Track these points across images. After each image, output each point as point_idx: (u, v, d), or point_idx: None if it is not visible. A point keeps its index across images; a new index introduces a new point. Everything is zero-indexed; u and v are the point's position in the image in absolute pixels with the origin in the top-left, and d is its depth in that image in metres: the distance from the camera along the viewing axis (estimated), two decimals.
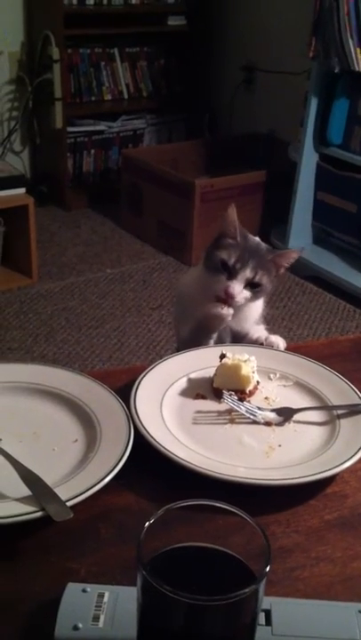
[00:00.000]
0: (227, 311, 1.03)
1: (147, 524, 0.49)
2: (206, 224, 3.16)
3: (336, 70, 2.73)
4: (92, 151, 3.85)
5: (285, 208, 3.16)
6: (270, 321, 1.10)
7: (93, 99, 3.85)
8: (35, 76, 3.59)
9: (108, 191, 3.75)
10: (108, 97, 3.89)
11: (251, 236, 1.08)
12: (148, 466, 0.78)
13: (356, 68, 2.64)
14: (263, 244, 1.08)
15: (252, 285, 1.03)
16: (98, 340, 2.58)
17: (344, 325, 2.76)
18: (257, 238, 1.09)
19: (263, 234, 3.25)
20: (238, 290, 1.02)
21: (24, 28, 3.60)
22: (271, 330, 1.12)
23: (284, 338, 1.09)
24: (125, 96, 3.94)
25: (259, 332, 1.10)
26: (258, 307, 1.10)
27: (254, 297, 1.05)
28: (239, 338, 1.09)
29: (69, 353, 2.49)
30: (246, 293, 1.03)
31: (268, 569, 0.47)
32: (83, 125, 3.77)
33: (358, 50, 2.61)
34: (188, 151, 3.68)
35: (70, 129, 3.69)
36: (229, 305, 1.03)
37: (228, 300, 1.02)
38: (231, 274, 1.02)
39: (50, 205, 3.72)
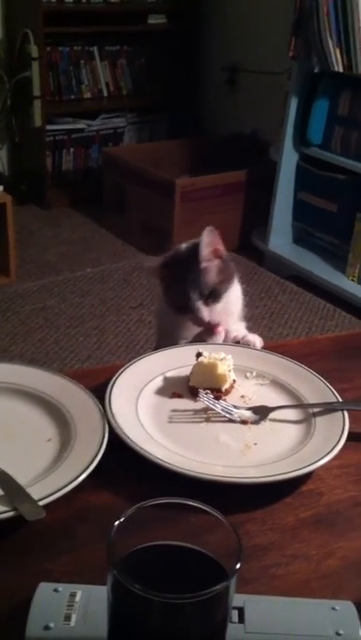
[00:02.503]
0: (220, 335, 1.04)
1: (117, 522, 0.49)
2: (187, 223, 3.16)
3: (316, 70, 2.74)
4: (72, 149, 3.84)
5: (266, 208, 3.17)
6: (251, 320, 1.10)
7: (73, 97, 3.83)
8: (13, 74, 3.56)
9: (88, 190, 3.74)
10: (87, 95, 3.88)
11: (176, 252, 1.05)
12: (124, 465, 0.77)
13: (336, 69, 2.66)
14: (191, 248, 1.04)
15: (211, 295, 1.02)
16: (77, 340, 2.57)
17: (324, 324, 2.78)
18: (184, 245, 1.06)
19: (244, 233, 3.29)
20: (204, 313, 1.01)
21: (3, 25, 3.58)
22: (251, 329, 1.12)
23: (265, 337, 1.09)
24: (105, 94, 3.93)
25: (237, 330, 1.10)
26: (234, 299, 1.08)
27: (219, 298, 1.03)
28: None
29: (48, 352, 2.48)
30: (213, 307, 1.02)
31: (238, 566, 0.47)
32: (62, 123, 3.76)
33: (338, 50, 2.63)
34: (171, 150, 3.68)
35: (50, 127, 3.68)
36: (218, 332, 1.03)
37: (214, 330, 1.03)
38: (189, 307, 1.02)
39: (30, 204, 3.70)
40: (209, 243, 1.02)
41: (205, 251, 1.02)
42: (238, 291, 1.09)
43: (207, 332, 1.04)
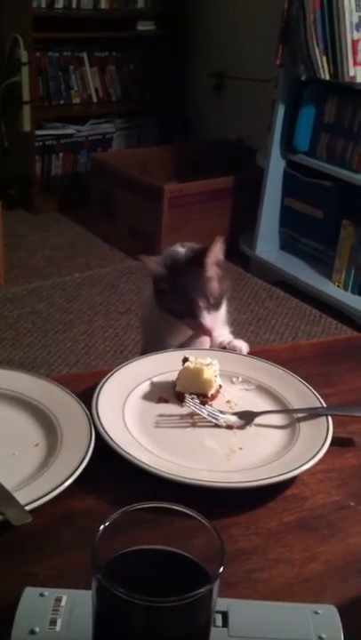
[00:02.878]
0: (208, 342, 1.05)
1: (102, 526, 0.49)
2: (175, 228, 3.17)
3: (303, 78, 2.76)
4: (61, 154, 3.84)
5: (253, 214, 3.18)
6: (237, 326, 1.11)
7: (62, 102, 3.84)
8: (3, 79, 3.56)
9: (77, 195, 3.74)
10: (76, 100, 3.88)
11: (176, 254, 1.06)
12: (110, 469, 0.78)
13: (323, 76, 2.68)
14: (190, 252, 1.05)
15: (215, 303, 1.04)
16: (65, 345, 2.57)
17: (310, 330, 2.79)
18: (181, 249, 1.07)
19: (231, 239, 3.30)
20: (208, 322, 1.03)
21: None
22: (238, 334, 1.13)
23: (251, 343, 1.10)
24: (94, 100, 3.94)
25: (223, 335, 1.11)
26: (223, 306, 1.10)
27: (220, 306, 1.06)
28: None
29: (36, 357, 2.48)
30: (214, 314, 1.04)
31: (221, 570, 0.48)
32: (51, 129, 3.76)
33: (324, 58, 2.65)
34: (159, 156, 3.69)
35: (39, 132, 3.68)
36: (212, 337, 1.04)
37: (209, 335, 1.04)
38: (192, 314, 1.03)
39: (18, 209, 3.70)
40: (218, 252, 1.04)
41: (214, 259, 1.03)
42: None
43: (199, 337, 1.05)
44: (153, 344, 1.09)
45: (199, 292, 1.02)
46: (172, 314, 1.05)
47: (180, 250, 1.07)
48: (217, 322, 1.05)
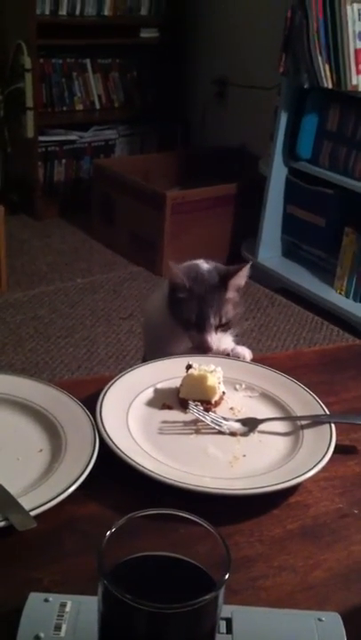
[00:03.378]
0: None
1: (108, 532, 0.50)
2: (177, 235, 3.18)
3: (306, 86, 2.77)
4: (64, 161, 3.85)
5: (256, 221, 3.19)
6: (239, 333, 1.12)
7: (65, 108, 3.85)
8: (6, 85, 3.58)
9: (79, 201, 3.75)
10: (79, 107, 3.90)
11: (201, 269, 1.06)
12: (114, 476, 0.78)
13: (325, 84, 2.69)
14: (215, 271, 1.06)
15: (224, 325, 1.05)
16: (67, 350, 2.57)
17: (312, 337, 2.80)
18: (206, 266, 1.08)
19: (234, 246, 3.31)
20: (212, 340, 1.04)
21: None
22: (240, 341, 1.13)
23: (253, 349, 1.10)
24: (97, 106, 3.95)
25: (226, 342, 1.11)
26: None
27: (228, 330, 1.06)
28: None
29: (38, 362, 2.48)
30: (220, 336, 1.05)
31: (227, 576, 0.48)
32: (54, 135, 3.77)
33: (327, 66, 2.66)
34: (160, 163, 3.70)
35: (42, 138, 3.69)
36: (206, 354, 1.04)
37: (206, 352, 1.04)
38: (200, 327, 1.03)
39: (20, 214, 3.71)
40: (244, 276, 1.05)
41: (239, 281, 1.05)
42: None
43: (200, 351, 1.05)
44: (154, 352, 1.09)
45: (214, 309, 1.03)
46: (180, 322, 1.05)
47: (205, 265, 1.09)
48: (220, 344, 1.06)
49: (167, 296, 1.08)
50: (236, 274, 1.04)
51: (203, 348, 1.04)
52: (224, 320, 1.04)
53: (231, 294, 1.05)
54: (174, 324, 1.06)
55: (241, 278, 1.05)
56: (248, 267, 1.05)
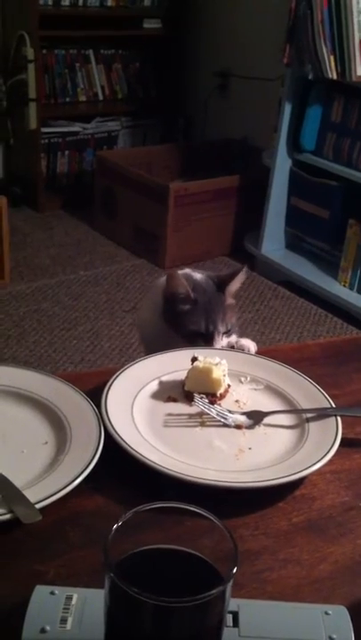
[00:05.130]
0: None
1: (115, 526, 0.49)
2: (180, 228, 3.17)
3: (310, 77, 2.76)
4: (67, 152, 3.84)
5: (259, 213, 3.18)
6: (243, 325, 1.12)
7: (68, 100, 3.84)
8: (9, 77, 3.56)
9: (81, 193, 3.74)
10: (82, 98, 3.88)
11: (196, 278, 1.07)
12: (119, 468, 0.78)
13: (330, 76, 2.67)
14: (209, 279, 1.07)
15: (228, 332, 1.06)
16: (70, 343, 2.57)
17: (316, 330, 2.79)
18: (198, 275, 1.08)
19: (237, 239, 3.30)
20: (220, 346, 1.05)
21: None
22: (244, 334, 1.13)
23: (257, 342, 1.10)
24: (100, 98, 3.94)
25: (231, 337, 1.11)
26: None
27: (229, 336, 1.07)
28: None
29: (41, 355, 2.48)
30: (225, 340, 1.06)
31: (235, 571, 0.48)
32: (57, 126, 3.76)
33: (332, 57, 2.64)
34: (163, 155, 3.69)
35: (44, 129, 3.68)
36: None
37: None
38: (208, 338, 1.04)
39: (23, 207, 3.70)
40: (241, 281, 1.05)
41: (236, 286, 1.05)
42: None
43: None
44: (150, 348, 1.09)
45: (220, 317, 1.04)
46: (184, 335, 1.05)
47: (198, 274, 1.09)
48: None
49: (162, 308, 1.07)
50: (232, 279, 1.05)
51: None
52: (229, 327, 1.05)
53: (231, 301, 1.06)
54: (172, 335, 1.05)
55: (237, 283, 1.06)
56: (244, 271, 1.05)
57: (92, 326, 2.69)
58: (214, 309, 1.03)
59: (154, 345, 1.09)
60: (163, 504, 0.53)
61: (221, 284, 1.05)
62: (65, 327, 2.67)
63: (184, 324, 1.05)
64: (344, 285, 2.96)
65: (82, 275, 3.11)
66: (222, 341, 1.05)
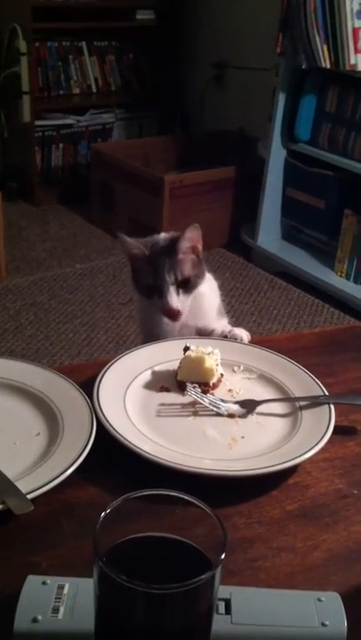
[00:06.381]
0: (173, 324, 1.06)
1: (103, 513, 0.49)
2: (176, 220, 3.16)
3: (304, 66, 2.74)
4: (61, 145, 3.83)
5: (255, 204, 3.17)
6: (239, 316, 1.11)
7: (62, 92, 3.82)
8: (2, 70, 3.55)
9: (77, 186, 3.73)
10: (76, 91, 3.87)
11: (156, 239, 1.08)
12: (111, 459, 0.78)
13: (323, 65, 2.66)
14: (170, 237, 1.08)
15: (183, 285, 1.04)
16: (67, 336, 2.57)
17: (313, 320, 2.79)
18: (163, 234, 1.10)
19: (233, 230, 3.29)
20: (176, 301, 1.03)
21: None
22: (240, 325, 1.13)
23: (253, 333, 1.10)
24: (94, 90, 3.92)
25: (223, 325, 1.10)
26: (211, 298, 1.11)
27: (191, 290, 1.06)
28: (206, 333, 1.10)
29: (38, 348, 2.48)
30: (183, 298, 1.05)
31: (223, 556, 0.48)
32: (51, 119, 3.75)
33: (325, 46, 2.63)
34: (159, 147, 3.68)
35: (38, 122, 3.66)
36: (176, 320, 1.04)
37: (174, 317, 1.04)
38: (159, 290, 1.04)
39: (18, 201, 3.69)
40: (190, 238, 1.05)
41: (185, 244, 1.05)
42: (213, 287, 1.12)
43: (166, 315, 1.05)
44: (143, 325, 1.13)
45: (167, 269, 1.04)
46: (142, 292, 1.07)
47: (163, 235, 1.10)
48: (185, 306, 1.05)
49: (130, 272, 1.10)
50: (182, 236, 1.05)
51: (166, 311, 1.04)
52: (180, 276, 1.04)
53: (183, 255, 1.05)
54: (145, 302, 1.08)
55: (188, 241, 1.05)
56: (193, 228, 1.05)
57: (89, 319, 2.69)
58: (161, 262, 1.04)
59: (143, 323, 1.13)
60: (153, 491, 0.53)
61: (174, 241, 1.06)
62: (61, 320, 2.67)
63: (140, 281, 1.07)
64: (340, 276, 2.95)
65: (78, 268, 3.10)
66: (178, 296, 1.04)
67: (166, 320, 1.05)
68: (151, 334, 1.09)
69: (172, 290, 1.03)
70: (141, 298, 1.09)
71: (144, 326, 1.16)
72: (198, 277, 1.06)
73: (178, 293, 1.04)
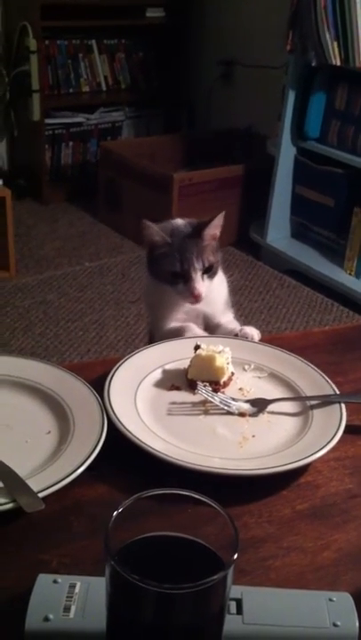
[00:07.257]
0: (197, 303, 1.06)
1: (115, 513, 0.49)
2: (185, 217, 3.15)
3: (313, 64, 2.73)
4: (71, 143, 3.83)
5: (264, 202, 3.16)
6: (248, 314, 1.11)
7: (71, 90, 3.83)
8: (12, 68, 3.55)
9: (86, 185, 3.73)
10: (86, 89, 3.87)
11: (176, 225, 1.09)
12: (122, 457, 0.78)
13: (333, 62, 2.65)
14: (189, 224, 1.09)
15: (207, 270, 1.06)
16: (76, 334, 2.57)
17: (322, 318, 2.78)
18: (180, 220, 1.11)
19: (242, 228, 3.28)
20: (201, 286, 1.04)
21: (1, 18, 3.57)
22: (249, 323, 1.13)
23: (262, 331, 1.09)
24: (104, 88, 3.92)
25: (233, 323, 1.10)
26: (220, 286, 1.12)
27: (213, 276, 1.07)
28: (212, 325, 1.10)
29: (47, 346, 2.48)
30: (207, 282, 1.06)
31: (235, 556, 0.48)
32: (61, 117, 3.75)
33: (335, 44, 2.62)
34: (167, 145, 3.67)
35: (48, 121, 3.67)
36: (198, 302, 1.05)
37: (197, 299, 1.05)
38: (186, 277, 1.04)
39: (27, 199, 3.70)
40: (217, 225, 1.06)
41: (212, 231, 1.06)
42: (222, 277, 1.13)
43: (190, 300, 1.06)
44: (154, 316, 1.12)
45: (195, 255, 1.04)
46: (165, 279, 1.06)
47: (180, 221, 1.11)
48: (208, 292, 1.06)
49: (147, 259, 1.10)
50: (209, 224, 1.06)
51: (193, 296, 1.04)
52: (207, 264, 1.05)
53: (208, 242, 1.06)
54: (159, 283, 1.08)
55: (214, 228, 1.07)
56: (221, 216, 1.06)
57: (98, 317, 2.69)
58: (189, 249, 1.04)
59: (154, 310, 1.13)
60: (165, 491, 0.53)
61: (199, 228, 1.07)
62: (71, 318, 2.67)
63: (163, 268, 1.06)
64: (350, 274, 2.94)
65: (87, 266, 3.10)
66: (203, 282, 1.05)
67: (188, 305, 1.06)
68: (158, 313, 1.10)
69: (199, 276, 1.04)
70: (158, 284, 1.08)
71: (152, 305, 1.15)
72: (218, 264, 1.08)
73: (203, 279, 1.05)
